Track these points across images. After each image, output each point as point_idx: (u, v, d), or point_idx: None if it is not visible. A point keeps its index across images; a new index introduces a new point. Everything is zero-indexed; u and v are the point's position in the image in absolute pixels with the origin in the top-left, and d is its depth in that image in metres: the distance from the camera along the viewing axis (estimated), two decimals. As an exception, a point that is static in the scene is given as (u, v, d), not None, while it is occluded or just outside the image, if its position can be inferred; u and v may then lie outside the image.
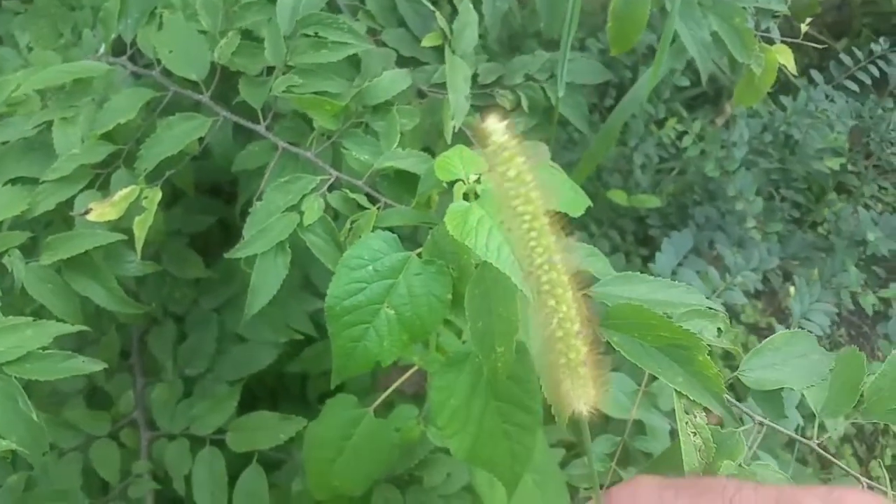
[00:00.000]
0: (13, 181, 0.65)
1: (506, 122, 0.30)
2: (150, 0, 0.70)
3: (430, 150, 0.65)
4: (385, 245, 0.51)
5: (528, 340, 0.46)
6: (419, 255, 0.51)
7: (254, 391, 0.89)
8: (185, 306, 0.86)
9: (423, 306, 0.50)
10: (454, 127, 0.69)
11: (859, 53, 1.30)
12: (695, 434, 0.43)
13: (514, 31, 1.06)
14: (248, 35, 0.69)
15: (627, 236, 1.38)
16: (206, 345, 0.84)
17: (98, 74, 0.67)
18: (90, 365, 0.57)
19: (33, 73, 0.67)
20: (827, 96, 1.30)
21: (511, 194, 0.31)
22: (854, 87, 1.29)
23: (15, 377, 0.54)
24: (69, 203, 0.64)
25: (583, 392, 0.33)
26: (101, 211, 0.61)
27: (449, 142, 0.70)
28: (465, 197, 0.51)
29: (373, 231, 0.54)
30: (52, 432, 0.74)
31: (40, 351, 0.55)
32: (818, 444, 0.46)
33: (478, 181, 0.51)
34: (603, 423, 0.75)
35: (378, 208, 0.59)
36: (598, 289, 0.47)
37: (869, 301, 1.26)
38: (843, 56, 1.31)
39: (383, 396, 0.67)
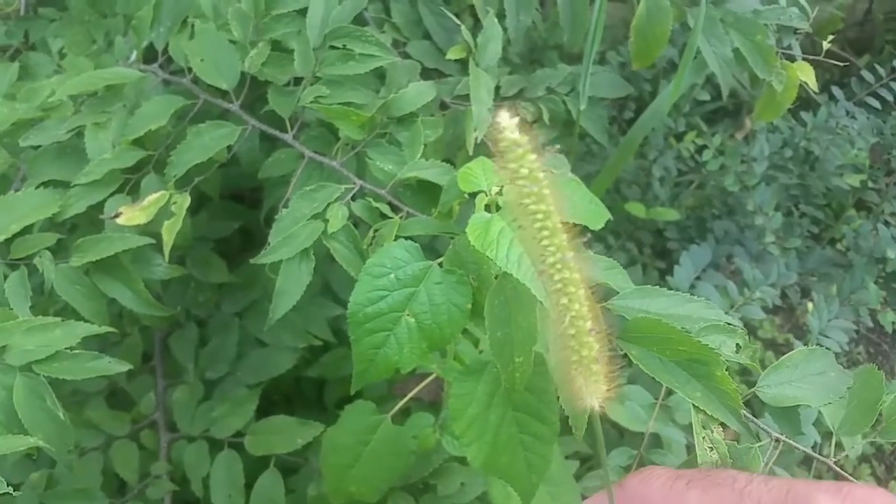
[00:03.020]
0: (46, 184, 0.66)
1: (517, 119, 0.29)
2: (182, 9, 0.71)
3: (452, 161, 0.66)
4: (407, 254, 0.51)
5: (546, 352, 0.46)
6: (440, 264, 0.51)
7: (270, 396, 0.90)
8: (208, 310, 0.87)
9: (444, 315, 0.50)
10: (476, 138, 0.70)
11: (881, 70, 1.29)
12: (711, 449, 0.43)
13: (534, 44, 1.07)
14: (278, 46, 0.70)
15: (645, 249, 1.38)
16: (228, 348, 0.85)
17: (130, 81, 0.69)
18: (116, 365, 0.58)
19: (67, 78, 0.68)
20: (848, 113, 1.30)
21: (523, 192, 0.30)
22: (876, 103, 1.28)
23: (43, 376, 0.55)
24: (99, 206, 0.65)
25: (595, 388, 0.34)
26: (131, 215, 0.62)
27: (471, 153, 0.71)
28: (487, 208, 0.52)
29: (395, 240, 0.54)
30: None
31: (68, 351, 0.56)
32: (835, 463, 0.46)
33: (499, 193, 0.52)
34: (619, 435, 0.75)
35: (400, 217, 0.60)
36: (617, 302, 0.47)
37: (888, 319, 1.25)
38: (864, 72, 1.31)
39: (401, 404, 0.68)
